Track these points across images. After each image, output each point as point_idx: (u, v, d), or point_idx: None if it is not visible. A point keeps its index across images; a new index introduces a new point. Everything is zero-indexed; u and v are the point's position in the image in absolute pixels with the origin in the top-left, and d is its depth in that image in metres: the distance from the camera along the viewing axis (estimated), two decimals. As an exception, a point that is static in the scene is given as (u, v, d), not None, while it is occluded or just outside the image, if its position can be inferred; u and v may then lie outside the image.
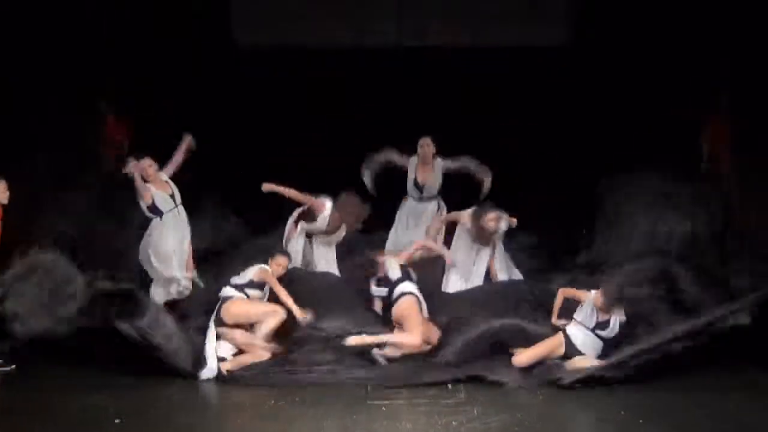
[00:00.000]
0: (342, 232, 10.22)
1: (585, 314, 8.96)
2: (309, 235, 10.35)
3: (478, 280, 10.41)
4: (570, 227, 11.45)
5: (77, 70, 11.63)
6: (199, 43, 12.31)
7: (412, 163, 11.13)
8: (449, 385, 8.56)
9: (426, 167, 11.10)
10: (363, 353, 8.89)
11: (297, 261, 10.16)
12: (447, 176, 11.09)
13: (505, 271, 10.51)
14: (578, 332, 8.91)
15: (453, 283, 10.39)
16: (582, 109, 12.36)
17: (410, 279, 9.50)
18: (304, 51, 12.53)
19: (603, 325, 8.93)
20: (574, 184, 11.61)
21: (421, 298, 9.35)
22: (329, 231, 9.96)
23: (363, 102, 12.20)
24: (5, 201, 9.14)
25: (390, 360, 8.95)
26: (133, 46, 12.04)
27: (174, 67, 12.30)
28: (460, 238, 10.48)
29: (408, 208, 11.31)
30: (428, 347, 9.12)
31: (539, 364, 8.80)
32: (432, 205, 11.27)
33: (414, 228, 11.14)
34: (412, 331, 9.01)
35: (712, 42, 11.40)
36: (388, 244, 11.11)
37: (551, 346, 8.91)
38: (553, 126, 12.32)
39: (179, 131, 10.65)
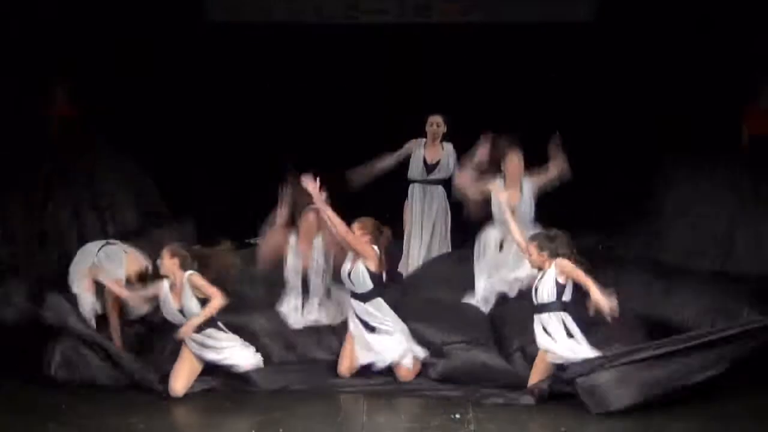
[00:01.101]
0: None
1: None
2: None
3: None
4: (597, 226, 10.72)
5: (34, 47, 11.16)
6: (169, 20, 11.85)
7: (418, 144, 10.39)
8: (456, 415, 7.75)
9: (435, 146, 10.33)
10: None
11: None
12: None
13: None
14: None
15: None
16: (606, 93, 11.79)
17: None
18: (291, 29, 12.10)
19: None
20: (600, 177, 11.16)
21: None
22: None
23: (359, 86, 11.74)
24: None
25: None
26: (93, 25, 11.59)
27: (143, 46, 11.82)
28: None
29: (416, 195, 10.42)
30: None
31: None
32: (440, 191, 10.38)
33: (428, 219, 10.36)
34: None
35: (748, 20, 11.05)
36: (413, 250, 10.32)
37: None
38: (574, 111, 11.64)
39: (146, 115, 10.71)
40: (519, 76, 11.72)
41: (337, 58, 11.93)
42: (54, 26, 11.28)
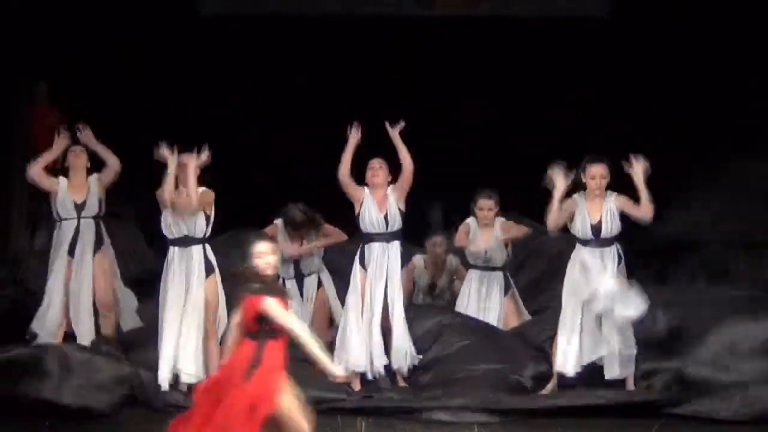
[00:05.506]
0: None
1: None
2: None
3: None
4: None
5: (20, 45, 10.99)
6: (163, 15, 11.64)
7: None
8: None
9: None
10: None
11: None
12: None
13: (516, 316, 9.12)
14: None
15: None
16: (622, 91, 11.50)
17: None
18: (286, 21, 11.89)
19: None
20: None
21: None
22: None
23: (357, 83, 11.45)
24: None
25: None
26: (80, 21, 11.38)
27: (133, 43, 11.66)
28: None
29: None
30: None
31: None
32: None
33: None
34: None
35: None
36: None
37: None
38: (584, 110, 11.47)
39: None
40: (526, 74, 11.52)
41: (335, 52, 11.74)
42: (41, 21, 11.02)
